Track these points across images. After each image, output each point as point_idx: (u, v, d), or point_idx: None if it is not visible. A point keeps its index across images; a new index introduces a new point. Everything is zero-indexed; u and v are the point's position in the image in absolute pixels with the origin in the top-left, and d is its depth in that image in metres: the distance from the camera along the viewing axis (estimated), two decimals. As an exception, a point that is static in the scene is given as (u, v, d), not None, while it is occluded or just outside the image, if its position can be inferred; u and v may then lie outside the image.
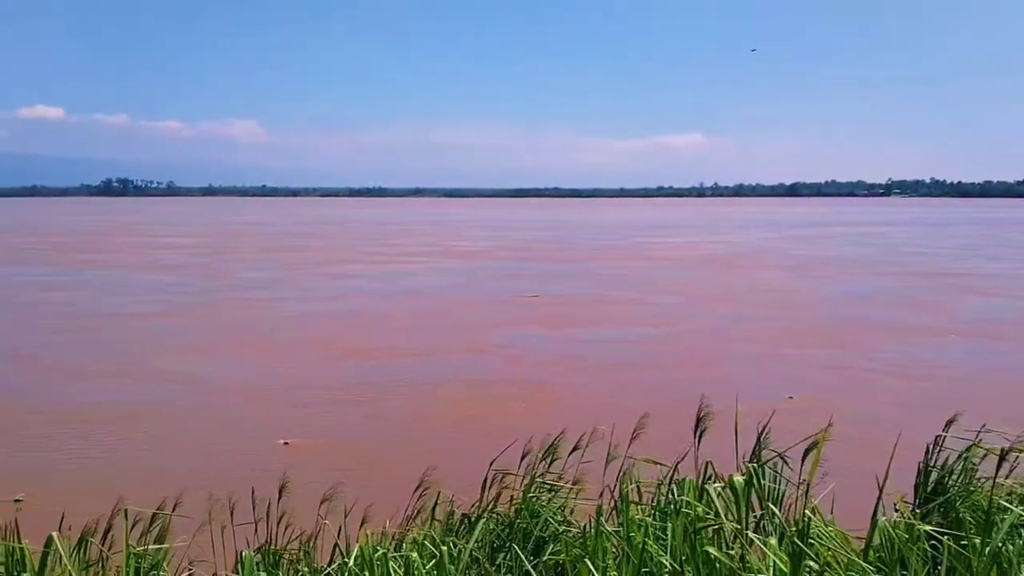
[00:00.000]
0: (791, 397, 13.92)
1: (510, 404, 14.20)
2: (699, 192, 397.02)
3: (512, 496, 5.41)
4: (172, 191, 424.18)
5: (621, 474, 5.29)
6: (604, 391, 15.07)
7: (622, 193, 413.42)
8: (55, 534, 4.37)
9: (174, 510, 4.80)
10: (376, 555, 4.41)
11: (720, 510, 4.66)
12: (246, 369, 17.14)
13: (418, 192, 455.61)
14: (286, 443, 11.79)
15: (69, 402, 14.24)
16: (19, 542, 4.45)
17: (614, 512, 5.13)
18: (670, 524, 4.62)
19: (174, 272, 37.42)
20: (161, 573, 4.68)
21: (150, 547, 4.68)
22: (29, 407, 13.85)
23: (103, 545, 4.63)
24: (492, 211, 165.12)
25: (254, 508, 5.04)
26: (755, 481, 4.94)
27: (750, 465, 5.03)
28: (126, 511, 4.59)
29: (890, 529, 4.38)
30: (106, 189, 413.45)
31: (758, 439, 5.24)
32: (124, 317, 23.85)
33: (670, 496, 5.11)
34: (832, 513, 4.82)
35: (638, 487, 5.26)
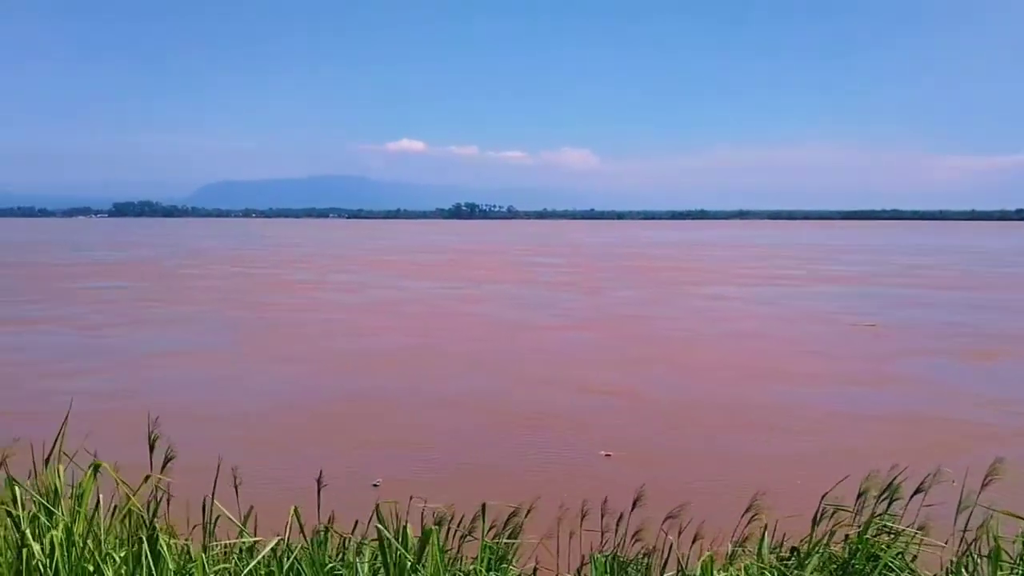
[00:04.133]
0: None
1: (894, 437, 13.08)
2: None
3: (847, 535, 5.10)
4: (511, 214, 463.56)
5: (969, 522, 4.83)
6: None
7: (973, 216, 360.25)
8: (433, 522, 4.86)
9: (527, 513, 5.19)
10: None
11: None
12: (653, 385, 17.46)
13: (742, 215, 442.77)
14: (608, 455, 12.16)
15: (477, 404, 15.67)
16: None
17: (963, 566, 4.69)
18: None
19: (556, 288, 40.26)
20: (510, 566, 4.98)
21: (503, 540, 5.01)
22: (444, 404, 15.60)
23: (460, 534, 5.08)
24: (834, 233, 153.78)
25: (602, 517, 5.27)
26: None
27: None
28: (484, 505, 4.96)
29: None
30: (456, 212, 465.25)
31: None
32: (535, 329, 25.88)
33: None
34: None
35: (996, 540, 4.67)
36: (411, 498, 5.33)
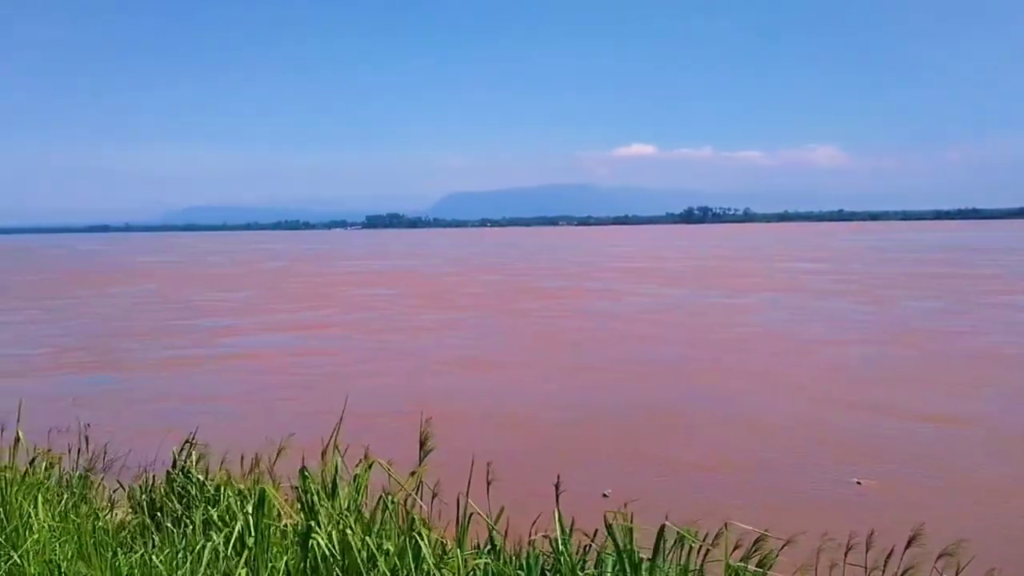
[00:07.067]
0: None
1: None
2: None
3: None
4: (748, 217, 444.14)
5: None
6: None
7: None
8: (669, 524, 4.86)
9: (782, 548, 4.95)
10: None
11: None
12: (968, 409, 15.24)
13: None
14: (859, 482, 11.10)
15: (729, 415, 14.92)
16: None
17: None
18: None
19: (830, 297, 36.95)
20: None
21: (749, 566, 4.81)
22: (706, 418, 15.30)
23: (704, 554, 4.98)
24: None
25: (867, 551, 4.88)
26: None
27: None
28: (726, 524, 4.91)
29: None
30: (687, 216, 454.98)
31: None
32: (818, 343, 23.53)
33: None
34: None
35: None
36: (632, 500, 5.29)
